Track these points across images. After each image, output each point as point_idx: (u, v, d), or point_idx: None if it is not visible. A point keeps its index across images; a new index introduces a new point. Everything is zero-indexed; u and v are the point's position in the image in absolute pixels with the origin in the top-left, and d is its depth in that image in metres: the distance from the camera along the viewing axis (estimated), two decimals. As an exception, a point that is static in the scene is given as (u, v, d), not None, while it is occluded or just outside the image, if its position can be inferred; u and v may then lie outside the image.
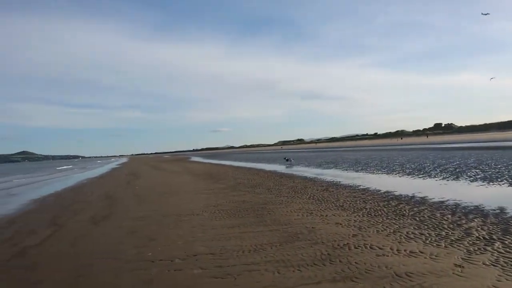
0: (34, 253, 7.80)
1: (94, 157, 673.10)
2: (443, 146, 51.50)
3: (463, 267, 5.33)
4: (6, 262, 7.26)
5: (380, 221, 8.56)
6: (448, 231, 7.34)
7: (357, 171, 22.70)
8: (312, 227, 8.31)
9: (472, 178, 15.23)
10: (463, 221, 8.09)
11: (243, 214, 10.48)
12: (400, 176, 18.14)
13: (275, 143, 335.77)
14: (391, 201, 11.12)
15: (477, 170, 17.81)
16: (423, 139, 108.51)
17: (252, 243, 7.30)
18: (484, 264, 5.43)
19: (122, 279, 5.85)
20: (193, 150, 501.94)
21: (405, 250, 6.25)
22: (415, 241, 6.77)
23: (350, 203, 11.15)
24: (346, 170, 24.02)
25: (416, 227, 7.80)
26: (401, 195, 12.21)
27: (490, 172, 16.65)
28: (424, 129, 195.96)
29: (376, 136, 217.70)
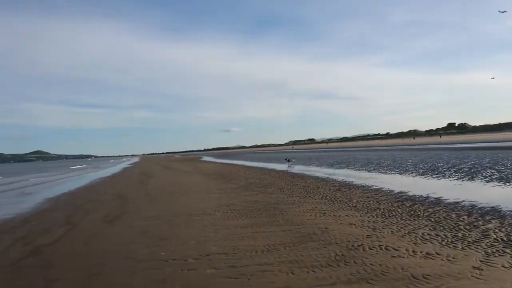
0: (48, 252, 7.86)
1: (107, 156, 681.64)
2: (456, 146, 50.73)
3: (481, 269, 5.20)
4: (20, 261, 7.33)
5: (394, 222, 8.43)
6: (464, 233, 7.18)
7: (369, 171, 22.48)
8: (326, 228, 8.23)
9: (487, 179, 14.94)
10: (480, 223, 7.92)
11: (255, 214, 10.43)
12: (413, 176, 17.90)
13: (286, 143, 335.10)
14: (405, 202, 10.96)
15: (493, 171, 17.48)
16: (436, 139, 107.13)
17: (265, 243, 7.25)
18: (503, 266, 5.29)
19: (135, 278, 5.85)
20: (204, 150, 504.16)
21: (421, 252, 6.13)
22: (431, 243, 6.63)
23: (363, 204, 11.02)
24: (358, 170, 23.81)
25: (431, 228, 7.65)
26: (415, 195, 12.03)
27: (506, 173, 16.32)
28: (437, 129, 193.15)
29: (388, 136, 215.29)
